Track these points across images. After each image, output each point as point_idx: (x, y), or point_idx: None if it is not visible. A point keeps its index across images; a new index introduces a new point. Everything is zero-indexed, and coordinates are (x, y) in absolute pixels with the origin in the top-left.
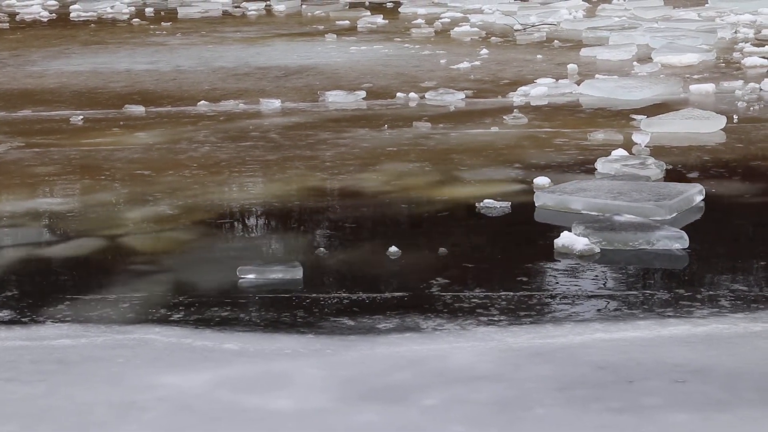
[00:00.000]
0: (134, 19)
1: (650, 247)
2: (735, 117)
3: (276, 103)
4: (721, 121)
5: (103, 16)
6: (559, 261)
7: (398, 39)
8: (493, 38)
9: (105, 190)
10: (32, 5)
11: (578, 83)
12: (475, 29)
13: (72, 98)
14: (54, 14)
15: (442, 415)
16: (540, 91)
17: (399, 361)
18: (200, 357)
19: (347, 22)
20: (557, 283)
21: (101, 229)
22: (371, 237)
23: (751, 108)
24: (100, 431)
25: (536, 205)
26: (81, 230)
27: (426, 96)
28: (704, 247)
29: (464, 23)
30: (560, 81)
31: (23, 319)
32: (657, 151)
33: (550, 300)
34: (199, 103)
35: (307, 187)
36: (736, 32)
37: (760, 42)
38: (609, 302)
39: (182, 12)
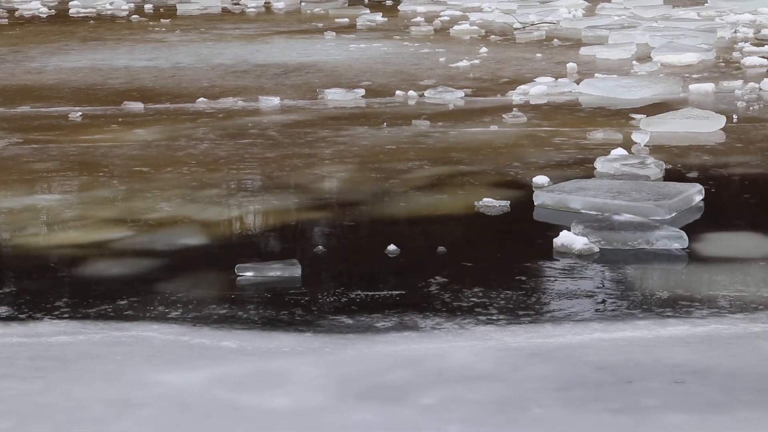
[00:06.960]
0: (133, 16)
1: (649, 246)
2: (734, 117)
3: (275, 101)
4: (721, 121)
5: (102, 13)
6: (558, 260)
7: (397, 37)
8: (492, 37)
9: (103, 187)
10: (31, 1)
11: (577, 82)
12: (475, 27)
13: (70, 94)
14: (53, 10)
15: (440, 414)
16: (539, 89)
17: (397, 360)
18: (197, 354)
19: (346, 19)
20: (556, 282)
21: (99, 226)
22: (369, 235)
23: (751, 108)
24: (97, 428)
25: (535, 204)
26: (79, 227)
27: (425, 94)
28: (703, 247)
29: (463, 21)
30: (560, 80)
31: (21, 316)
32: (656, 150)
33: (549, 299)
34: (197, 100)
35: (305, 183)
36: (735, 32)
37: (759, 41)
38: (608, 302)
39: (181, 9)
